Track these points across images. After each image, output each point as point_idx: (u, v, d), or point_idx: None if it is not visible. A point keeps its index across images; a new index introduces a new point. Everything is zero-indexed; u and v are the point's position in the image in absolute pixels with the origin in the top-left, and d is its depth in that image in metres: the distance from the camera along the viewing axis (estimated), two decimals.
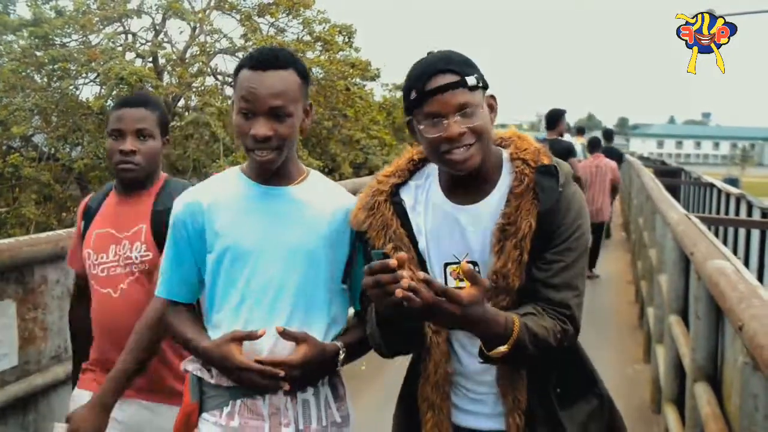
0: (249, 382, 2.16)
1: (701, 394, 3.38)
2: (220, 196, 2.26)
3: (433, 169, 2.18)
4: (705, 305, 3.52)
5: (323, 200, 2.30)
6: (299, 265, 2.23)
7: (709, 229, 5.84)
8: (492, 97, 2.09)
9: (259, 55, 2.23)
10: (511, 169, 2.10)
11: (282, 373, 2.14)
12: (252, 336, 2.16)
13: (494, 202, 2.04)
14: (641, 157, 32.24)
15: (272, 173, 2.26)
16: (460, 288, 1.92)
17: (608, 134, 14.43)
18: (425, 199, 2.15)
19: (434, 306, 1.77)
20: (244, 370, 2.14)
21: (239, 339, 2.16)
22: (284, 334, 2.17)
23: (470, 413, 2.15)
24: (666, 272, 5.45)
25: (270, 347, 2.18)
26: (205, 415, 2.24)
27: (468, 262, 1.98)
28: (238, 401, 2.22)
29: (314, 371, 2.21)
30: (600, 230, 11.19)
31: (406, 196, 2.16)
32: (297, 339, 2.18)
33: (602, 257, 11.79)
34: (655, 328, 6.16)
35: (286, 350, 2.18)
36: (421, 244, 2.10)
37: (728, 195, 11.94)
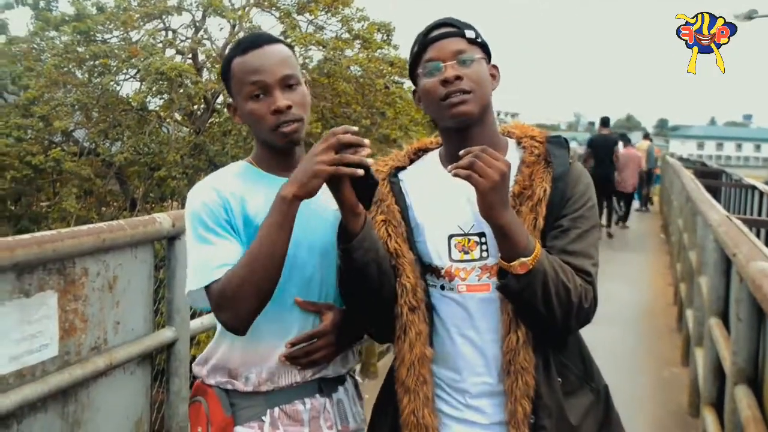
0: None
1: (741, 397, 3.34)
2: (245, 192, 2.14)
3: (434, 153, 2.23)
4: (747, 307, 3.47)
5: (329, 195, 2.21)
6: (325, 261, 2.18)
7: (751, 230, 5.75)
8: (495, 66, 2.16)
9: (245, 40, 2.19)
10: (517, 148, 2.15)
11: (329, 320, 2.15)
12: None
13: None
14: (681, 159, 31.80)
15: (290, 166, 2.11)
16: (465, 261, 2.03)
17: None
18: (427, 176, 2.18)
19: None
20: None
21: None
22: (303, 304, 2.15)
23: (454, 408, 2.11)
24: (706, 274, 5.37)
25: (299, 328, 2.16)
26: (239, 428, 2.12)
27: (475, 233, 2.05)
28: (276, 409, 2.14)
29: (344, 336, 2.19)
30: (630, 197, 18.09)
31: (405, 176, 2.22)
32: (320, 309, 2.17)
33: (641, 260, 13.39)
34: (694, 330, 6.08)
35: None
36: (419, 219, 2.12)
37: None
